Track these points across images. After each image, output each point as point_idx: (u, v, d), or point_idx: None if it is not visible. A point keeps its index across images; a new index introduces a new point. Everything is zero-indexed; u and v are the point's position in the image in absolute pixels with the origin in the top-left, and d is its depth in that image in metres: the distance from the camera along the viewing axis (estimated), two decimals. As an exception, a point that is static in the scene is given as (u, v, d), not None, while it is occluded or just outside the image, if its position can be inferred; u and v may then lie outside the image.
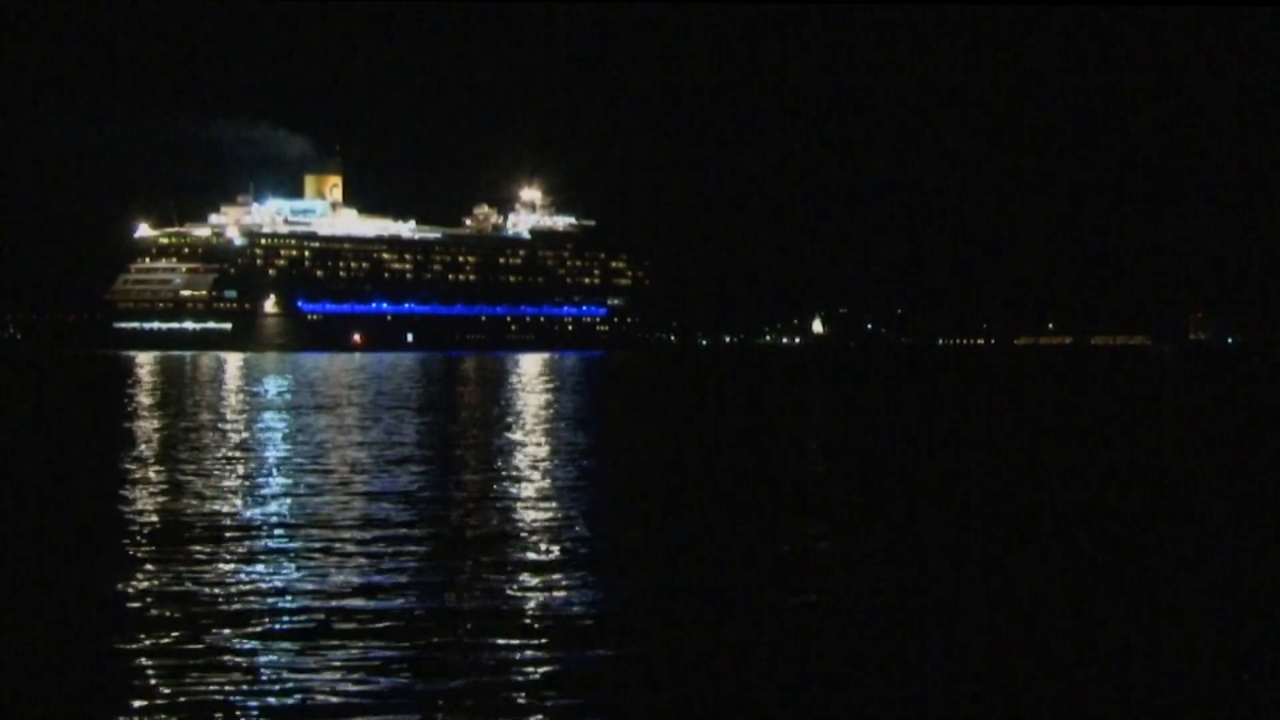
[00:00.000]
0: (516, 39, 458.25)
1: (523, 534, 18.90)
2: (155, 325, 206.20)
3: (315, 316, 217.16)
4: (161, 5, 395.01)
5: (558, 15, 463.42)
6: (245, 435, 36.29)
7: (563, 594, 14.82)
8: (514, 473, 26.95)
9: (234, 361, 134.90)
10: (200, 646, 12.50)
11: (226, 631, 13.10)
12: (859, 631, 13.21)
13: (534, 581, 15.46)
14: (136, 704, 10.86)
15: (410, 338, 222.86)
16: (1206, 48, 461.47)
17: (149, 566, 16.39)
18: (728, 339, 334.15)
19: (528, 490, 24.02)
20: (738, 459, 30.82)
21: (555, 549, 17.64)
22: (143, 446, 32.88)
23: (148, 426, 39.87)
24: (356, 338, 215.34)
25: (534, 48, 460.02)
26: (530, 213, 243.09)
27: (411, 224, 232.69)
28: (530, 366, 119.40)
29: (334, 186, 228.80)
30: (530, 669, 11.80)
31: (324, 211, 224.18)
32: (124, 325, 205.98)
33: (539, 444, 33.75)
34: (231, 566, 16.34)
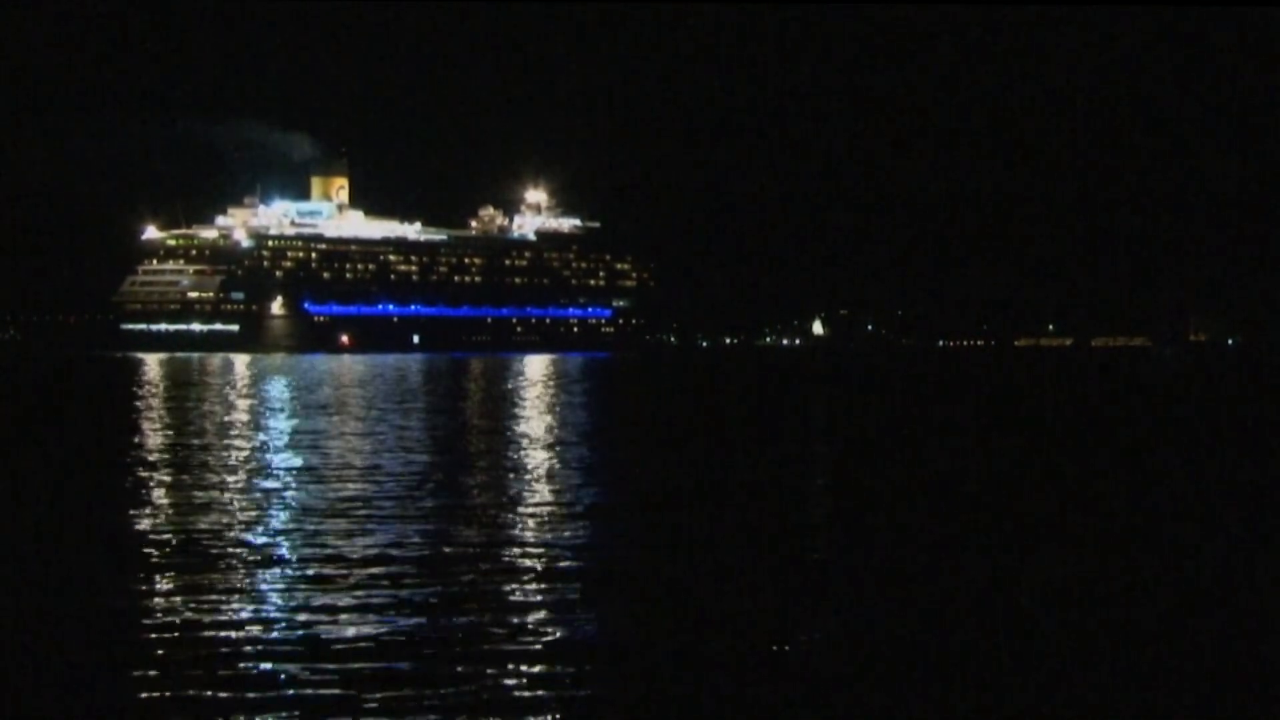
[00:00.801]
0: (521, 41, 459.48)
1: (526, 550, 18.53)
2: (162, 327, 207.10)
3: (322, 318, 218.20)
4: (167, 6, 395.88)
5: (563, 17, 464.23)
6: (249, 440, 36.51)
7: (567, 614, 14.62)
8: (517, 483, 26.47)
9: (241, 363, 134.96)
10: (202, 655, 12.71)
11: (227, 640, 13.35)
12: (861, 649, 13.18)
13: (539, 601, 15.23)
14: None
15: (416, 339, 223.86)
16: (1207, 48, 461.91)
17: (145, 578, 16.42)
18: (728, 340, 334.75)
19: (533, 502, 23.50)
20: (741, 466, 30.75)
21: (561, 566, 17.36)
22: (146, 452, 32.83)
23: (156, 430, 40.09)
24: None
25: (539, 50, 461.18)
26: (535, 214, 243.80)
27: (417, 226, 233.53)
28: (536, 368, 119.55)
29: (340, 188, 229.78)
30: (532, 690, 11.77)
31: (330, 213, 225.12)
32: (131, 327, 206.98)
33: (544, 452, 33.67)
34: (222, 585, 16.08)
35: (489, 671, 12.19)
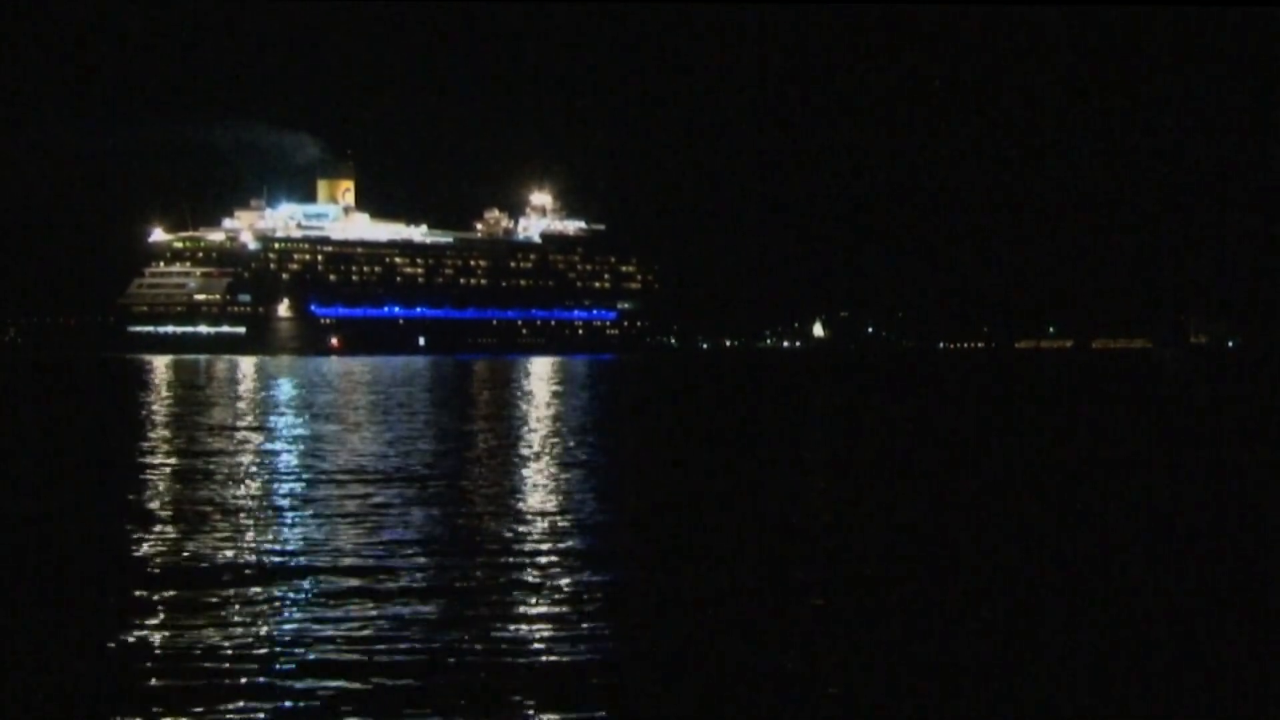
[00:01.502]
0: (527, 43, 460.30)
1: (537, 565, 17.99)
2: (169, 329, 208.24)
3: (328, 320, 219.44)
4: (173, 8, 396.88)
5: (568, 19, 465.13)
6: (255, 444, 36.53)
7: (574, 628, 14.42)
8: (520, 495, 25.85)
9: (248, 366, 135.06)
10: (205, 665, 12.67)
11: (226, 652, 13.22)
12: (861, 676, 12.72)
13: (538, 625, 14.73)
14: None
15: (422, 341, 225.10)
16: (1206, 49, 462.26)
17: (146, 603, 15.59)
18: (728, 342, 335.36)
19: (536, 515, 22.98)
20: (741, 475, 30.39)
21: (570, 578, 17.12)
22: (151, 455, 32.88)
23: (163, 433, 40.03)
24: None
25: (544, 52, 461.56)
26: (541, 217, 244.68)
27: (423, 228, 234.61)
28: (541, 370, 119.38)
29: (346, 191, 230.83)
30: (545, 709, 11.59)
31: (337, 216, 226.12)
32: (138, 329, 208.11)
33: (551, 456, 33.56)
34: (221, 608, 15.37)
35: (494, 688, 12.11)
